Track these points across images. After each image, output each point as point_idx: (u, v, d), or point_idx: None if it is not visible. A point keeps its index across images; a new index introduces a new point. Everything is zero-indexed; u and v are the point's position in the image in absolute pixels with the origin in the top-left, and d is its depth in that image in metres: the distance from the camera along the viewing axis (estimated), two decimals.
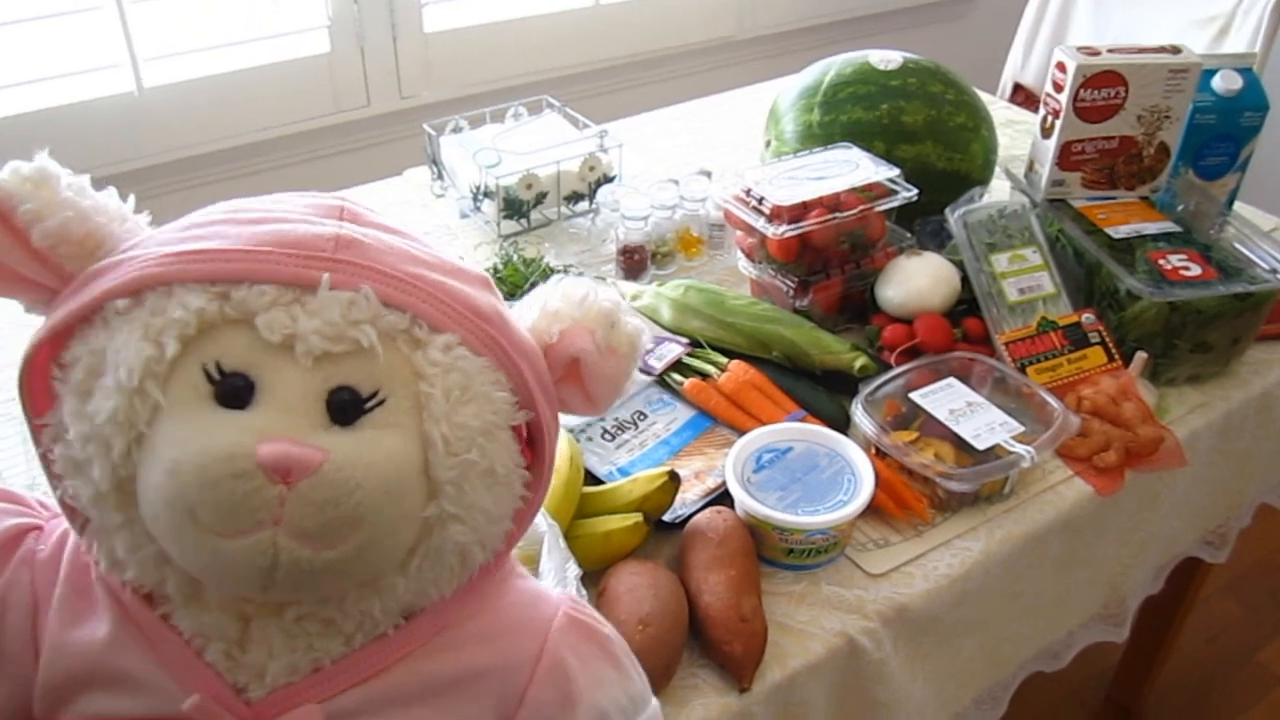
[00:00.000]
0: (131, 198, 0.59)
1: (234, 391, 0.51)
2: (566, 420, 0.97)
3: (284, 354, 0.51)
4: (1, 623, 0.59)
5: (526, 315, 0.62)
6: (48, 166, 0.55)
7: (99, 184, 0.57)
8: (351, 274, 0.52)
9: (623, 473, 0.94)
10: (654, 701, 0.66)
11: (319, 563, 0.51)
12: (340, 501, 0.50)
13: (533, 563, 0.78)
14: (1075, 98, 1.16)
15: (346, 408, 0.52)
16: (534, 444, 0.60)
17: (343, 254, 0.53)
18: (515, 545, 0.62)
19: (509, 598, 0.62)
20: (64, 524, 0.61)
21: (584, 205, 1.36)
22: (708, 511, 0.88)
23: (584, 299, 0.61)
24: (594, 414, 0.64)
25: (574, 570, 0.77)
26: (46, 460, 0.55)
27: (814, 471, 0.91)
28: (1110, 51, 1.16)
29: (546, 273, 1.19)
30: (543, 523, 0.80)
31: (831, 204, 1.12)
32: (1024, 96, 2.17)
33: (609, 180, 1.36)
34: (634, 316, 0.63)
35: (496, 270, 1.20)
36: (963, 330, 1.12)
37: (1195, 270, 1.09)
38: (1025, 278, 1.13)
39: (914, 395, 1.01)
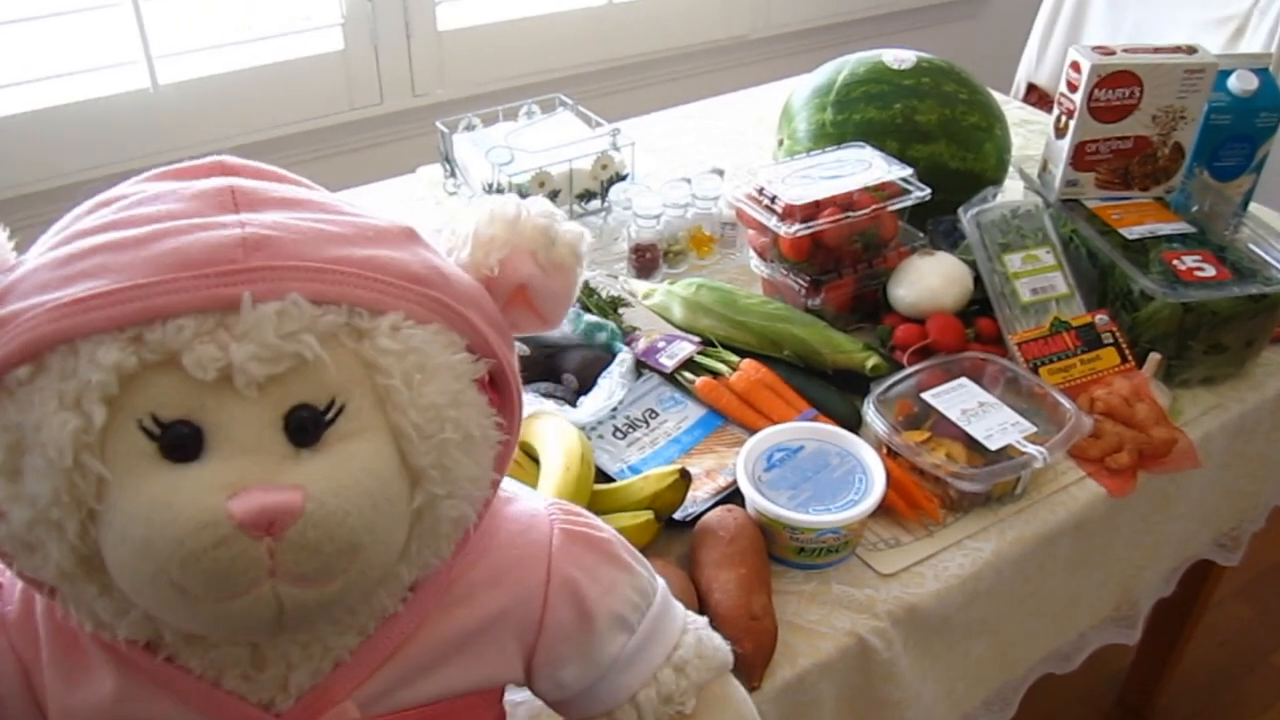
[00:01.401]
0: None
1: (181, 442, 0.45)
2: (577, 418, 0.97)
3: (224, 388, 0.46)
4: (1, 696, 0.56)
5: (458, 249, 0.56)
6: None
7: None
8: (273, 280, 0.46)
9: (634, 470, 0.94)
10: (660, 583, 0.66)
11: (326, 596, 0.48)
12: (333, 537, 0.46)
13: None
14: (1090, 97, 1.15)
15: (306, 427, 0.47)
16: (495, 383, 0.56)
17: (256, 258, 0.46)
18: (499, 486, 0.59)
19: (503, 531, 0.61)
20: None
21: (596, 203, 1.36)
22: (718, 510, 0.88)
23: (517, 219, 0.56)
24: (548, 330, 0.60)
25: None
26: None
27: (825, 471, 0.91)
28: (1125, 51, 1.16)
29: None
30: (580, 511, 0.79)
31: (844, 203, 1.11)
32: (1038, 96, 2.17)
33: (621, 179, 1.36)
34: (569, 222, 0.58)
35: None
36: (975, 330, 1.12)
37: (1210, 271, 1.09)
38: (1038, 278, 1.12)
39: (926, 395, 1.00)
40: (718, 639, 0.66)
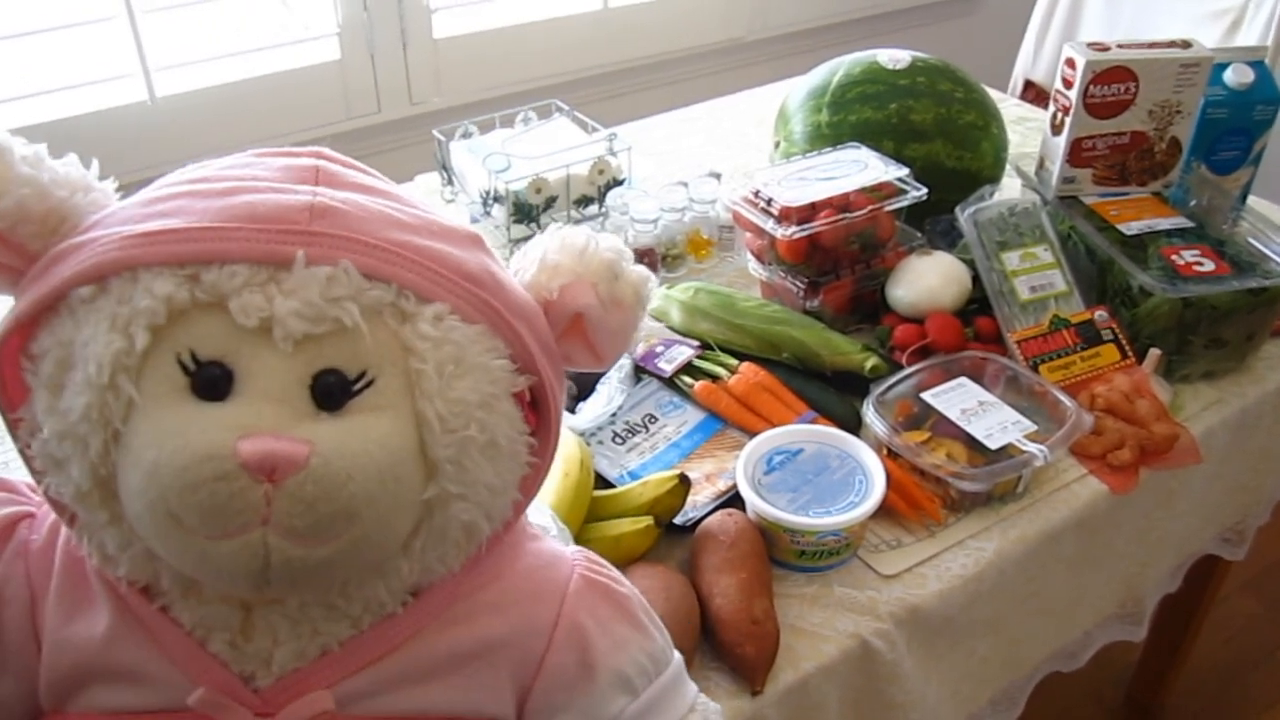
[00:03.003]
0: (95, 163, 0.55)
1: (211, 382, 0.48)
2: (576, 424, 0.97)
3: (262, 338, 0.48)
4: (1, 617, 0.57)
5: (524, 270, 0.58)
6: None
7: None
8: (329, 247, 0.48)
9: (633, 476, 0.94)
10: (676, 656, 0.64)
11: (314, 560, 0.48)
12: (331, 497, 0.47)
13: None
14: (1085, 94, 1.15)
15: (333, 392, 0.49)
16: (538, 406, 0.57)
17: (318, 225, 0.49)
18: (524, 511, 0.60)
19: (522, 562, 0.60)
20: None
21: (593, 209, 1.36)
22: (718, 514, 0.88)
23: (584, 249, 0.57)
24: (600, 368, 0.61)
25: None
26: (26, 455, 0.53)
27: (825, 473, 0.91)
28: (1120, 47, 1.15)
29: None
30: (553, 526, 0.80)
31: (841, 204, 1.11)
32: (1035, 93, 2.16)
33: (618, 183, 1.36)
34: (638, 265, 0.59)
35: None
36: (974, 329, 1.12)
37: (1209, 266, 1.09)
38: (1037, 275, 1.12)
39: (925, 395, 1.00)
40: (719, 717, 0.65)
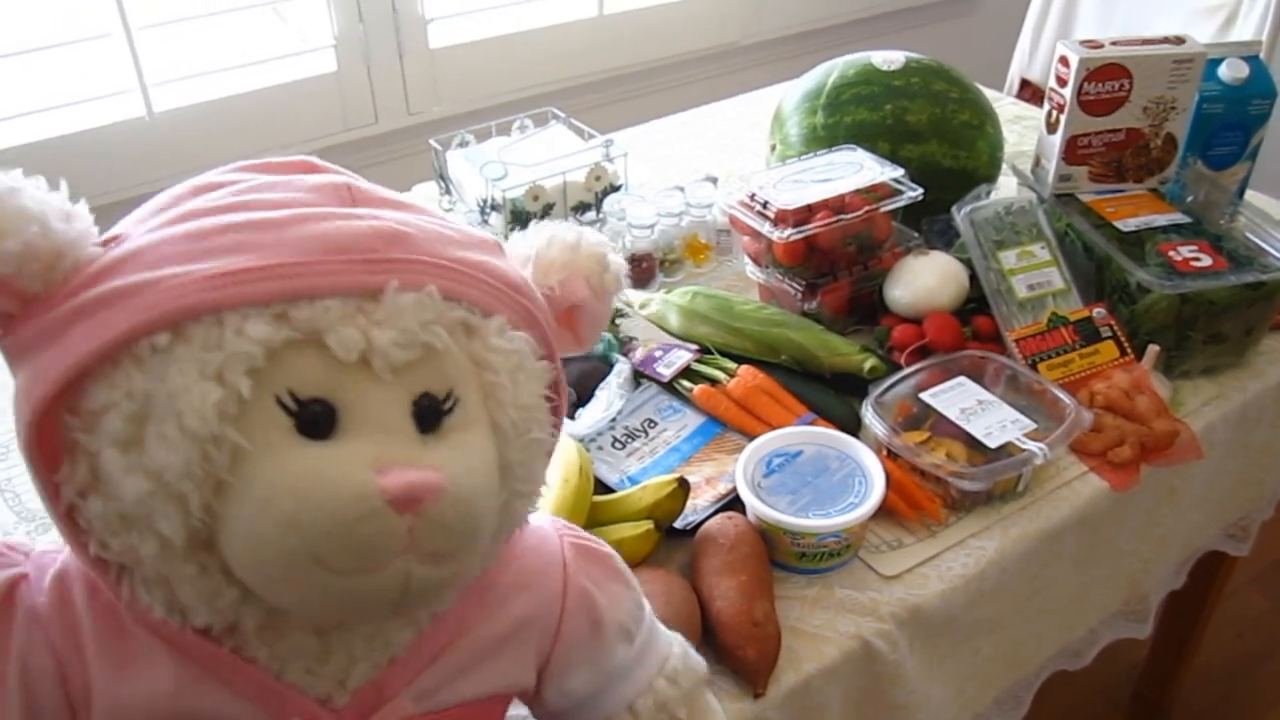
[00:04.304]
0: (63, 185, 0.49)
1: (315, 419, 0.47)
2: (575, 430, 0.97)
3: (360, 371, 0.48)
4: (33, 693, 0.53)
5: (522, 268, 0.59)
6: None
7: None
8: (414, 272, 0.49)
9: (633, 481, 0.94)
10: (645, 601, 0.69)
11: (445, 576, 0.50)
12: (465, 517, 0.49)
13: None
14: (1079, 91, 1.15)
15: (428, 415, 0.49)
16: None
17: (393, 250, 0.49)
18: None
19: (523, 540, 0.63)
20: (49, 564, 0.55)
21: (591, 215, 1.36)
22: (718, 517, 0.88)
23: (577, 245, 0.60)
24: (578, 351, 0.64)
25: None
26: (69, 517, 0.48)
27: (825, 474, 0.91)
28: (1113, 44, 1.16)
29: None
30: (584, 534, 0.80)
31: (837, 206, 1.12)
32: (1031, 92, 2.16)
33: (615, 189, 1.36)
34: (615, 253, 0.62)
35: None
36: (972, 328, 1.11)
37: (1206, 261, 1.09)
38: (1034, 274, 1.12)
39: (924, 395, 1.00)
40: (695, 654, 0.70)
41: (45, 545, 0.57)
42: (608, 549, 0.68)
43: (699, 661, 0.69)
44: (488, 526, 0.52)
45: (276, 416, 0.46)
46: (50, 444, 0.47)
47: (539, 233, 0.60)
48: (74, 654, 0.53)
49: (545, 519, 0.68)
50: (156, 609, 0.50)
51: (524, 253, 0.60)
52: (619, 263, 0.62)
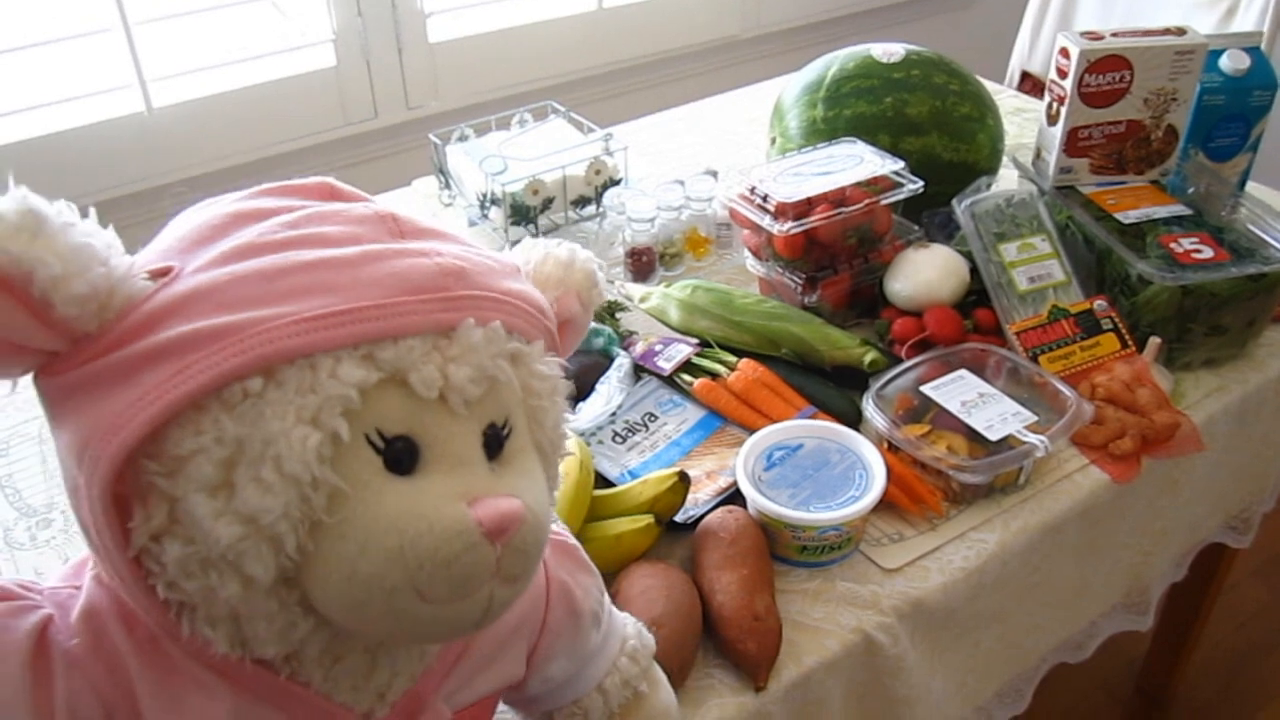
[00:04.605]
0: (111, 229, 0.47)
1: (400, 456, 0.48)
2: (576, 424, 0.97)
3: (438, 407, 0.49)
4: None
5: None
6: (46, 211, 0.44)
7: (112, 205, 0.50)
8: (481, 309, 0.51)
9: (634, 475, 0.94)
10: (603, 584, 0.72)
11: (516, 595, 0.51)
12: (540, 541, 0.51)
13: None
14: (1080, 83, 1.15)
15: (493, 444, 0.51)
16: None
17: (460, 288, 0.50)
18: None
19: None
20: (68, 600, 0.53)
21: (591, 209, 1.36)
22: (719, 511, 0.88)
23: (571, 262, 0.62)
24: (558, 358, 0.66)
25: None
26: (136, 562, 0.47)
27: (825, 468, 0.91)
28: (1114, 35, 1.15)
29: None
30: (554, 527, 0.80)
31: (837, 199, 1.11)
32: (1032, 84, 2.16)
33: (615, 183, 1.36)
34: (600, 271, 0.65)
35: None
36: (973, 321, 1.11)
37: (1207, 253, 1.08)
38: (1035, 266, 1.12)
39: (925, 388, 1.00)
40: (646, 630, 0.74)
41: (33, 563, 0.56)
42: (574, 540, 0.71)
43: (650, 638, 0.73)
44: (547, 543, 0.54)
45: (367, 455, 0.47)
46: (120, 489, 0.46)
47: (533, 249, 0.62)
48: (121, 695, 0.52)
49: None
50: (220, 644, 0.49)
51: (526, 264, 0.61)
52: (601, 277, 0.65)
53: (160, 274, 0.48)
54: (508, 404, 0.52)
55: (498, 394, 0.51)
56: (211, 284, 0.47)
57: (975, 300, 1.13)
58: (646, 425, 1.01)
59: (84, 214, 0.47)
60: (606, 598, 0.72)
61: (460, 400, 0.49)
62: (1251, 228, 1.13)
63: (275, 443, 0.44)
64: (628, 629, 0.72)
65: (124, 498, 0.46)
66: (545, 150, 1.33)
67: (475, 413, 0.50)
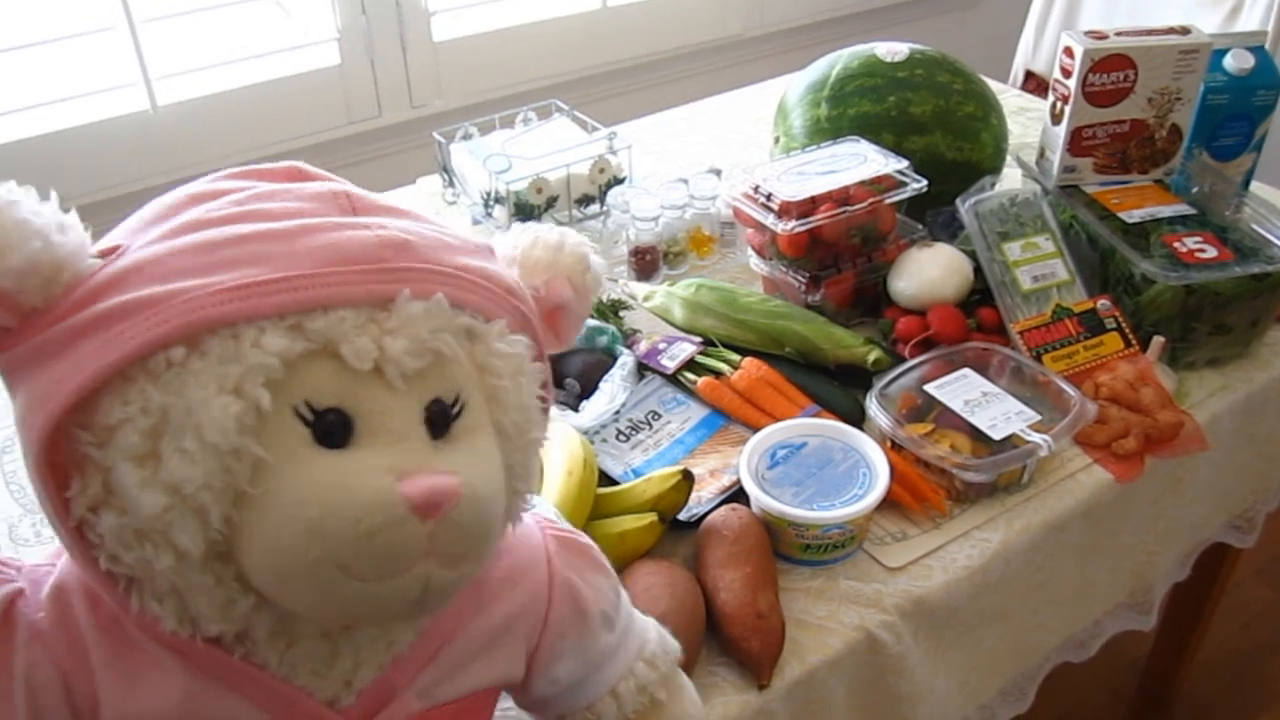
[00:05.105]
0: (54, 195, 0.49)
1: (331, 429, 0.47)
2: (580, 423, 0.97)
3: (373, 380, 0.48)
4: (39, 709, 0.53)
5: (510, 268, 0.59)
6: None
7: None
8: (423, 281, 0.50)
9: (637, 473, 0.94)
10: (622, 588, 0.70)
11: (460, 578, 0.50)
12: (482, 520, 0.50)
13: None
14: (1084, 82, 1.15)
15: (439, 420, 0.50)
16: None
17: (401, 259, 0.50)
18: None
19: (509, 535, 0.63)
20: (44, 577, 0.54)
21: (595, 208, 1.36)
22: (723, 509, 0.88)
23: (561, 245, 0.60)
24: (559, 349, 0.64)
25: None
26: (76, 532, 0.48)
27: (829, 466, 0.91)
28: (1118, 34, 1.15)
29: None
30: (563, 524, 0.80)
31: (840, 198, 1.11)
32: (1036, 84, 2.16)
33: (619, 182, 1.36)
34: (595, 253, 0.63)
35: None
36: (977, 320, 1.11)
37: (1211, 252, 1.08)
38: (1039, 265, 1.12)
39: (929, 387, 1.00)
40: (670, 637, 0.72)
41: (36, 559, 0.57)
42: (587, 540, 0.69)
43: (674, 644, 0.71)
44: (499, 526, 0.53)
45: (294, 427, 0.46)
46: (58, 459, 0.47)
47: (522, 234, 0.61)
48: (79, 668, 0.53)
49: (526, 513, 0.68)
50: (168, 621, 0.49)
51: (508, 254, 0.60)
52: (599, 262, 0.63)
53: (108, 252, 0.49)
54: (458, 380, 0.51)
55: (444, 369, 0.50)
56: (151, 258, 0.47)
57: (979, 299, 1.13)
58: (650, 424, 1.01)
59: (45, 199, 0.48)
60: (625, 600, 0.70)
61: (397, 373, 0.48)
62: (1255, 227, 1.13)
63: (197, 412, 0.45)
64: (649, 633, 0.70)
65: (65, 468, 0.47)
66: (549, 149, 1.33)
67: (416, 387, 0.49)
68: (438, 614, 0.59)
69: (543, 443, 0.58)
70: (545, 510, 0.72)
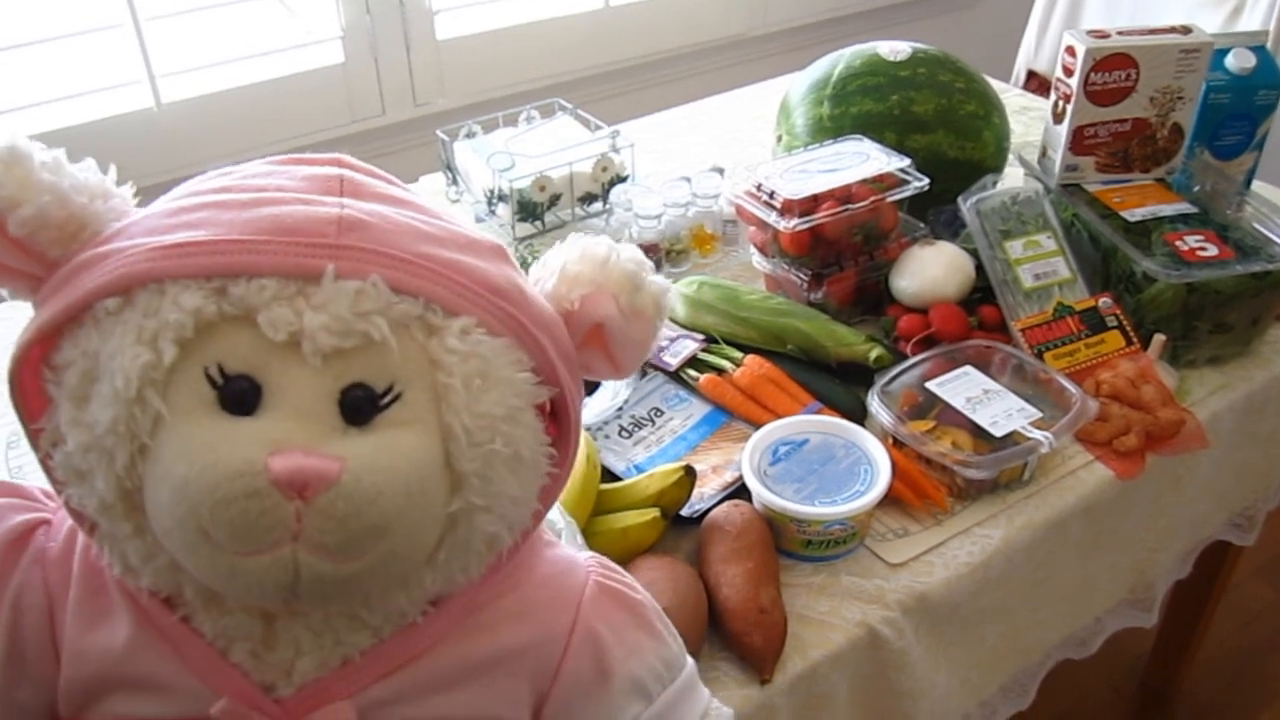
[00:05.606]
0: (113, 169, 0.54)
1: (239, 395, 0.47)
2: (582, 418, 0.98)
3: (291, 352, 0.48)
4: (19, 625, 0.56)
5: (544, 280, 0.57)
6: (19, 145, 0.50)
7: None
8: (358, 260, 0.48)
9: (640, 469, 0.95)
10: (689, 662, 0.65)
11: (343, 575, 0.48)
12: (361, 513, 0.47)
13: None
14: (1086, 81, 1.15)
15: (361, 406, 0.48)
16: (557, 416, 0.57)
17: (347, 238, 0.49)
18: (542, 520, 0.60)
19: (539, 570, 0.60)
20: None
21: (598, 206, 1.37)
22: (725, 505, 0.89)
23: (606, 260, 0.57)
24: (619, 378, 0.60)
25: None
26: (46, 465, 0.52)
27: (831, 463, 0.92)
28: (1120, 34, 1.15)
29: None
30: (560, 520, 0.80)
31: (843, 196, 1.12)
32: (1038, 84, 2.16)
33: (622, 180, 1.36)
34: (657, 275, 0.59)
35: None
36: (978, 318, 1.12)
37: (1212, 250, 1.09)
38: (1040, 263, 1.12)
39: (930, 384, 1.00)
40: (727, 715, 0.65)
41: None
42: (643, 597, 0.63)
43: None
44: (405, 530, 0.49)
45: (201, 388, 0.48)
46: (36, 394, 0.51)
47: (572, 245, 0.58)
48: (61, 598, 0.57)
49: (583, 554, 0.65)
50: (115, 565, 0.53)
51: (552, 264, 0.58)
52: (660, 283, 0.59)
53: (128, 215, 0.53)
54: (394, 370, 0.49)
55: (375, 355, 0.48)
56: (137, 218, 0.52)
57: (980, 297, 1.13)
58: (653, 420, 1.02)
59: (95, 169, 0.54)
60: (684, 676, 0.63)
61: (313, 349, 0.47)
62: (1257, 226, 1.13)
63: (114, 359, 0.47)
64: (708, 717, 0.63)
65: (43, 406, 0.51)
66: (552, 147, 1.34)
67: (335, 367, 0.48)
68: (405, 627, 0.56)
69: (533, 464, 0.54)
70: (585, 553, 0.67)
